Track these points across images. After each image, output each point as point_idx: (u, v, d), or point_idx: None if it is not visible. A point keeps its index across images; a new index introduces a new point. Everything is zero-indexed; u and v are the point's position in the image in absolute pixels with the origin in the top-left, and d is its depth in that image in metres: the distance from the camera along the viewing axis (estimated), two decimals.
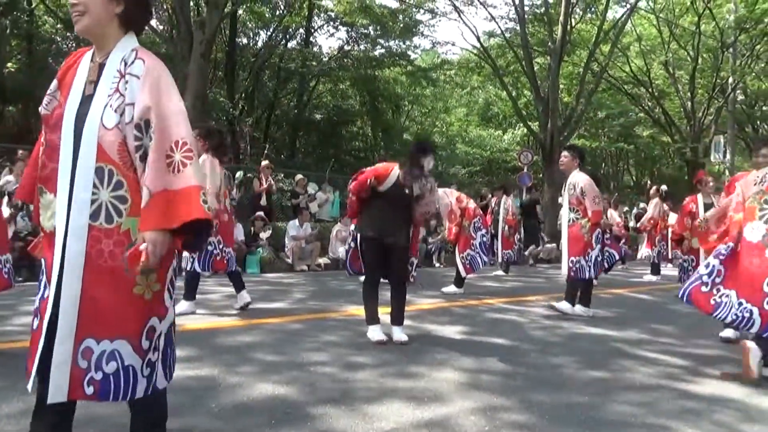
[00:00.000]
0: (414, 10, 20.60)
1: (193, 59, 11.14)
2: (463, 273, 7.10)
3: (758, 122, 26.34)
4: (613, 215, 12.28)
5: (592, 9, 21.57)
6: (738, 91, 23.03)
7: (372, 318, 4.26)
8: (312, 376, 3.21)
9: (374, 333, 4.19)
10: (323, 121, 22.83)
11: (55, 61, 17.13)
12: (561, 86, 21.17)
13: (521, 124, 23.68)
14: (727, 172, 20.07)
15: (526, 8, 19.64)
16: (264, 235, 10.00)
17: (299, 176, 12.43)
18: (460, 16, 19.62)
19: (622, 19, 20.06)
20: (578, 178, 5.73)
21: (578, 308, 5.67)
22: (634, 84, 23.59)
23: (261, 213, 10.18)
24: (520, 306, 6.13)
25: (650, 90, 23.36)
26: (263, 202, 10.89)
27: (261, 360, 3.53)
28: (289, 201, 12.12)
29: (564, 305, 5.63)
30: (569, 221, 5.69)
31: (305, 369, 3.34)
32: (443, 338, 4.40)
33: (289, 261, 9.99)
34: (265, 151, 18.78)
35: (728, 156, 22.16)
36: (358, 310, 5.47)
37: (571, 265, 5.58)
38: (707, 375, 3.60)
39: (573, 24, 19.83)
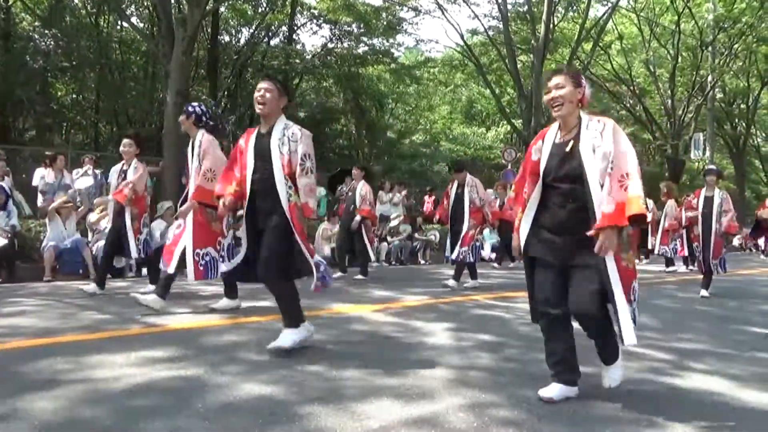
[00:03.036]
0: (397, 7, 20.62)
1: (174, 57, 11.02)
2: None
3: (736, 119, 26.77)
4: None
5: (574, 8, 21.78)
6: (717, 89, 23.39)
7: None
8: (299, 375, 3.18)
9: None
10: (307, 119, 22.67)
11: (33, 60, 16.85)
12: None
13: (505, 122, 23.82)
14: None
15: (509, 6, 19.78)
16: None
17: None
18: (443, 13, 19.74)
19: (603, 17, 20.31)
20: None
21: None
22: (616, 82, 23.86)
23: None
24: (506, 302, 6.15)
25: (631, 88, 23.64)
26: None
27: (247, 359, 3.49)
28: None
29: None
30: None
31: (292, 368, 3.32)
32: (430, 335, 4.39)
33: None
34: None
35: (708, 153, 22.50)
36: (345, 308, 5.46)
37: None
38: (691, 368, 3.64)
39: (555, 22, 20.00)
